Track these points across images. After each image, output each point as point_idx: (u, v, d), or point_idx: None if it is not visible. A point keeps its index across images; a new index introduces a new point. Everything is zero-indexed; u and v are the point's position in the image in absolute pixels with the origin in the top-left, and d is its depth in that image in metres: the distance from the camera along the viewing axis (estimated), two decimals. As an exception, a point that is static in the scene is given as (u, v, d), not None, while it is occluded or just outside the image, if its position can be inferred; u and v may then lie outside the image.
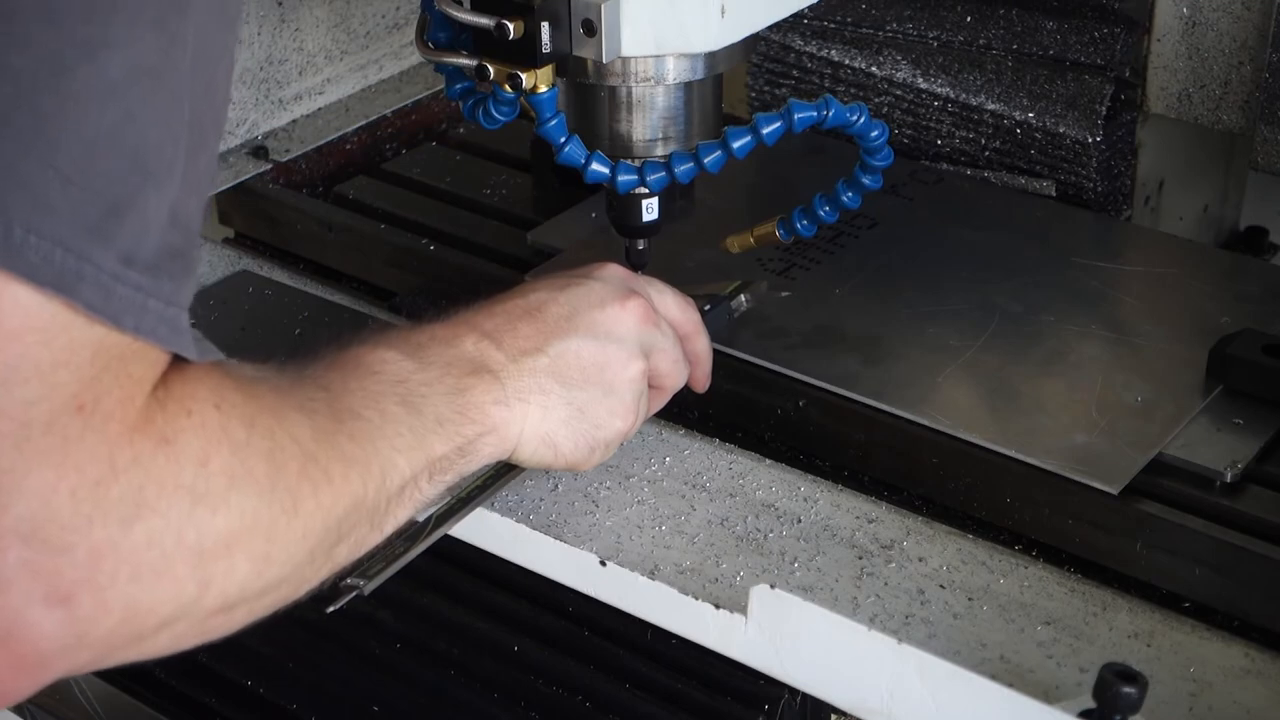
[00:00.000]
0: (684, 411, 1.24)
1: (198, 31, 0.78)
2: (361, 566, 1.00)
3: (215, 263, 1.43)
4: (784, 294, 1.30)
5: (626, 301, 1.08)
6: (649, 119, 1.17)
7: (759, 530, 1.11)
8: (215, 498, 0.78)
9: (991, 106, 1.48)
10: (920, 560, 1.08)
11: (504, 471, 1.10)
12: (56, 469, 0.73)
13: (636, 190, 1.18)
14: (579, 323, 1.06)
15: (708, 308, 1.21)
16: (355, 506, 0.89)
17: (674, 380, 1.12)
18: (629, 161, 1.16)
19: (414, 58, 1.74)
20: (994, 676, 0.94)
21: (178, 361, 0.79)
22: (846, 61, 1.54)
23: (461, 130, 1.68)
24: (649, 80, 1.14)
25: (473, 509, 1.09)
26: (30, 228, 0.71)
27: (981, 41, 1.50)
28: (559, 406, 1.04)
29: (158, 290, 0.76)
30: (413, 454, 0.94)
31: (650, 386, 1.11)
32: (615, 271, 1.12)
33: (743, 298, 1.26)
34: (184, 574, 0.78)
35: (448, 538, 1.10)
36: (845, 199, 1.24)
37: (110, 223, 0.74)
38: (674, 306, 1.13)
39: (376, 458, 0.91)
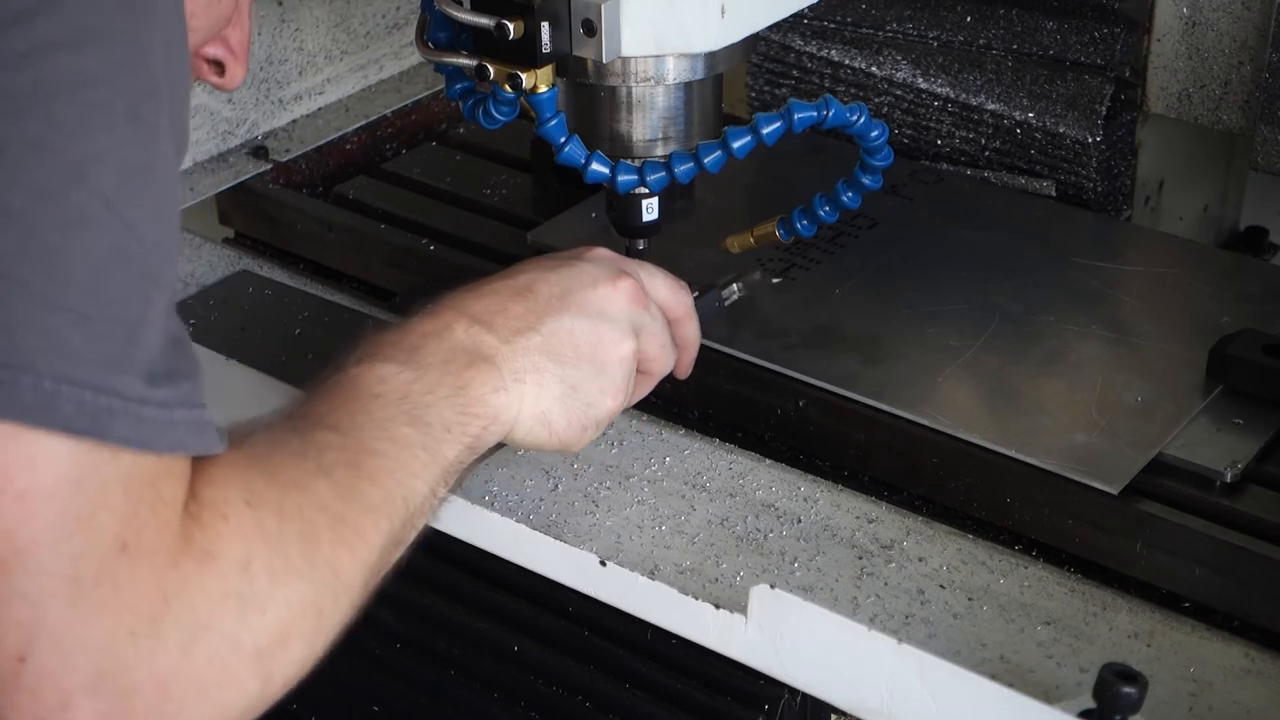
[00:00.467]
0: (684, 411, 1.24)
1: (171, 105, 0.79)
2: None
3: (215, 263, 1.43)
4: (775, 280, 1.30)
5: (618, 281, 1.08)
6: (649, 119, 1.17)
7: (759, 530, 1.11)
8: (262, 597, 0.80)
9: (991, 106, 1.48)
10: (920, 560, 1.08)
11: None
12: (113, 615, 0.74)
13: (636, 190, 1.18)
14: (571, 301, 1.06)
15: (697, 294, 1.21)
16: (387, 544, 0.91)
17: (661, 364, 1.12)
18: (629, 161, 1.16)
19: (414, 58, 1.74)
20: (994, 676, 0.94)
21: (198, 458, 0.80)
22: (846, 61, 1.54)
23: (461, 130, 1.68)
24: (649, 80, 1.14)
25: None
26: (59, 377, 0.73)
27: (981, 41, 1.50)
28: (553, 385, 1.04)
29: (180, 397, 0.78)
30: (429, 470, 0.95)
31: (637, 370, 1.11)
32: (605, 253, 1.12)
33: (735, 286, 1.25)
34: (246, 677, 0.80)
35: (448, 537, 1.10)
36: (845, 199, 1.24)
37: (130, 347, 0.76)
38: (664, 289, 1.13)
39: (399, 490, 0.92)
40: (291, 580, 0.82)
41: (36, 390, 0.72)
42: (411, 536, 0.94)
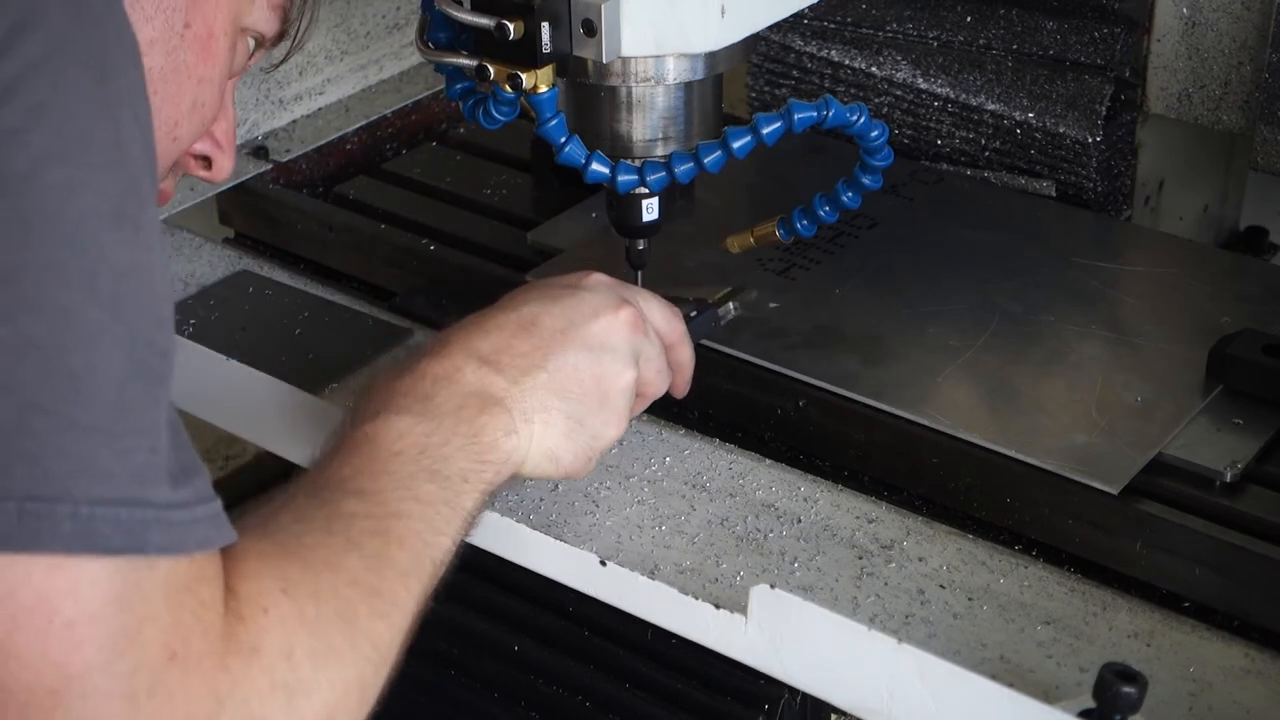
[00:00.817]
0: (684, 411, 1.24)
1: (151, 200, 0.79)
2: None
3: (215, 263, 1.43)
4: (772, 305, 1.30)
5: (619, 311, 1.08)
6: (649, 119, 1.17)
7: (759, 530, 1.11)
8: (308, 683, 0.81)
9: (991, 106, 1.48)
10: (920, 560, 1.08)
11: None
12: None
13: (636, 190, 1.18)
14: (574, 336, 1.06)
15: (694, 314, 1.21)
16: (419, 603, 0.92)
17: (657, 388, 1.13)
18: (629, 161, 1.16)
19: (414, 58, 1.74)
20: (994, 676, 0.94)
21: (224, 549, 0.81)
22: (846, 61, 1.54)
23: (461, 130, 1.68)
24: (649, 80, 1.14)
25: None
26: (94, 500, 0.73)
27: (981, 41, 1.50)
28: (559, 421, 1.05)
29: (198, 494, 0.79)
30: (451, 524, 0.96)
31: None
32: (604, 280, 1.12)
33: (731, 305, 1.26)
34: None
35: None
36: (845, 199, 1.24)
37: (153, 455, 0.77)
38: (660, 316, 1.14)
39: (426, 550, 0.93)
40: (334, 663, 0.83)
41: (74, 518, 0.73)
42: (434, 588, 0.95)
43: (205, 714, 0.76)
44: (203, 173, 1.09)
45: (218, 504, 0.80)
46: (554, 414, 1.04)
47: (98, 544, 0.73)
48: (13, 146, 0.73)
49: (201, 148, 1.07)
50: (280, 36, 1.06)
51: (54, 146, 0.74)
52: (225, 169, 1.09)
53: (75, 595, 0.73)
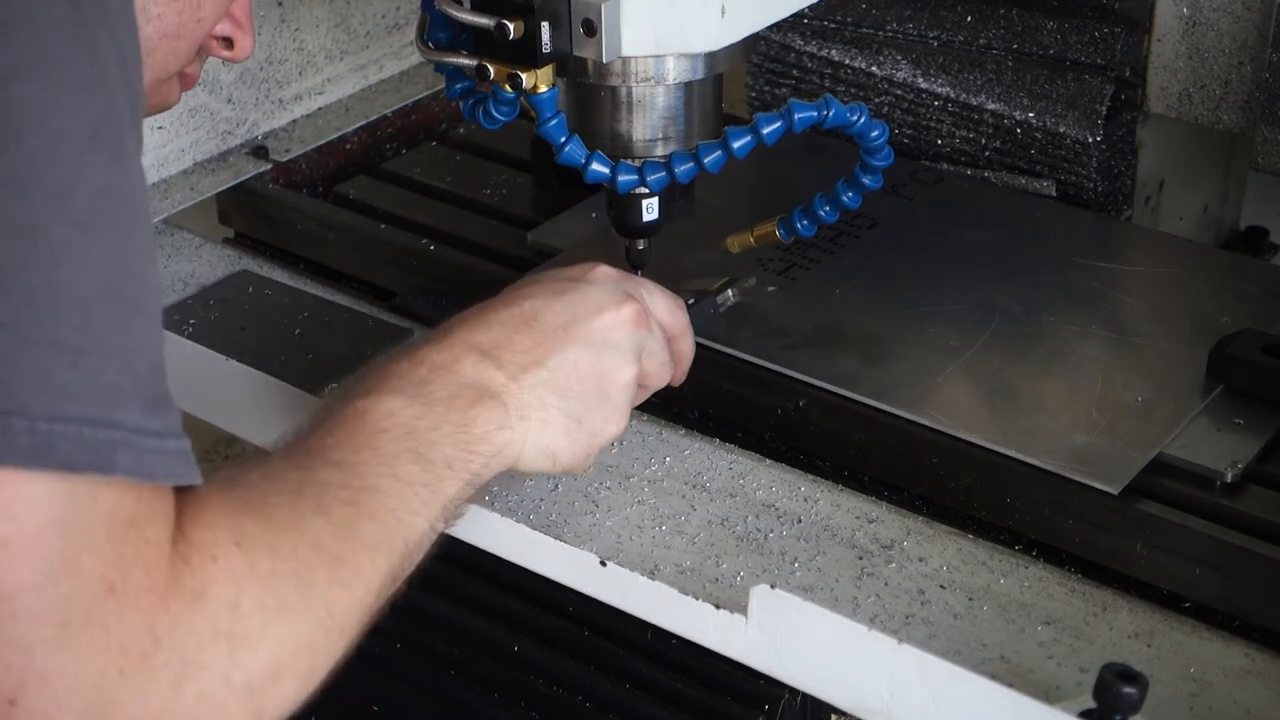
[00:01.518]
0: (684, 411, 1.24)
1: (133, 123, 0.78)
2: None
3: (215, 263, 1.43)
4: (771, 289, 1.30)
5: (622, 307, 1.08)
6: (649, 119, 1.17)
7: (759, 530, 1.11)
8: (254, 636, 0.80)
9: (991, 106, 1.48)
10: (920, 560, 1.08)
11: None
12: (103, 655, 0.75)
13: (637, 190, 1.18)
14: (576, 332, 1.06)
15: (692, 302, 1.21)
16: (385, 581, 0.91)
17: (658, 380, 1.13)
18: (629, 161, 1.16)
19: (414, 58, 1.74)
20: (994, 676, 0.94)
21: (183, 494, 0.80)
22: (846, 61, 1.54)
23: (461, 130, 1.68)
24: (649, 80, 1.14)
25: None
26: (54, 416, 0.73)
27: (981, 41, 1.50)
28: (558, 419, 1.04)
29: (170, 426, 0.78)
30: (429, 507, 0.95)
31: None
32: (608, 274, 1.11)
33: (729, 292, 1.26)
34: (237, 713, 0.80)
35: (448, 537, 1.10)
36: (845, 199, 1.24)
37: (123, 377, 0.76)
38: (663, 308, 1.13)
39: (399, 528, 0.92)
40: (285, 619, 0.82)
41: (32, 433, 0.72)
42: (408, 571, 0.95)
43: (140, 650, 0.75)
44: (225, 53, 1.08)
45: (187, 443, 0.79)
46: (552, 412, 1.04)
47: (54, 460, 0.73)
48: None
49: (222, 29, 1.06)
50: None
51: (21, 63, 0.73)
52: (246, 48, 1.08)
53: (11, 515, 0.72)
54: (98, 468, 0.74)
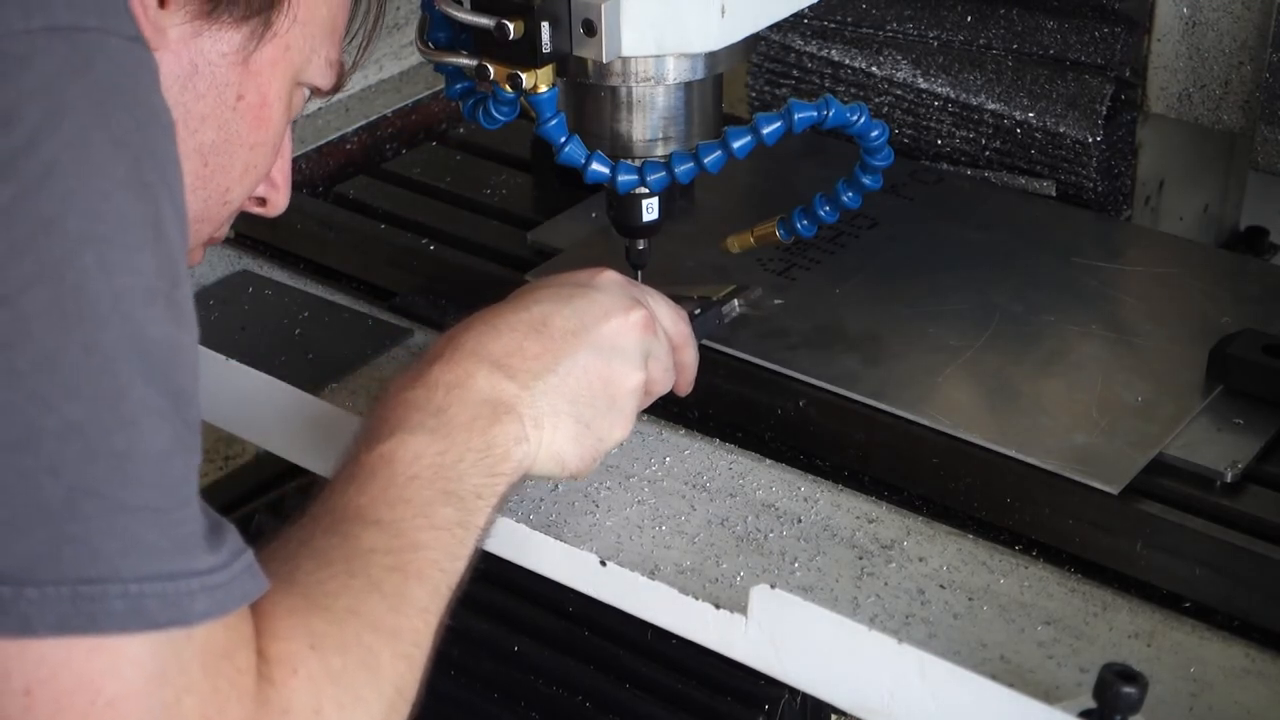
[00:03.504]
0: (684, 411, 1.24)
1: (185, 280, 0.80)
2: None
3: (215, 263, 1.43)
4: (777, 302, 1.30)
5: (630, 312, 1.08)
6: (649, 119, 1.17)
7: (759, 530, 1.11)
8: None
9: (991, 106, 1.48)
10: (920, 560, 1.08)
11: None
12: None
13: (637, 190, 1.18)
14: (585, 338, 1.06)
15: (698, 311, 1.21)
16: (436, 629, 0.93)
17: (662, 387, 1.13)
18: (629, 161, 1.16)
19: (414, 58, 1.74)
20: (994, 676, 0.94)
21: (254, 606, 0.81)
22: (846, 61, 1.54)
23: (461, 130, 1.68)
24: (649, 80, 1.14)
25: None
26: (143, 578, 0.74)
27: (981, 41, 1.50)
28: (568, 425, 1.05)
29: (232, 551, 0.79)
30: (466, 545, 0.97)
31: None
32: (615, 279, 1.11)
33: (736, 303, 1.26)
34: None
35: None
36: (845, 199, 1.24)
37: (192, 525, 0.77)
38: (667, 318, 1.13)
39: (444, 579, 0.94)
40: (360, 713, 0.84)
41: (125, 597, 0.74)
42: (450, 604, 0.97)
43: None
44: (256, 209, 1.10)
45: (249, 554, 0.81)
46: (563, 417, 1.04)
47: (145, 622, 0.74)
48: (52, 233, 0.73)
49: (261, 191, 1.08)
50: (337, 88, 1.06)
51: (89, 230, 0.74)
52: (279, 205, 1.10)
53: (116, 674, 0.74)
54: (179, 621, 0.75)
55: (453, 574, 0.95)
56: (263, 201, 1.09)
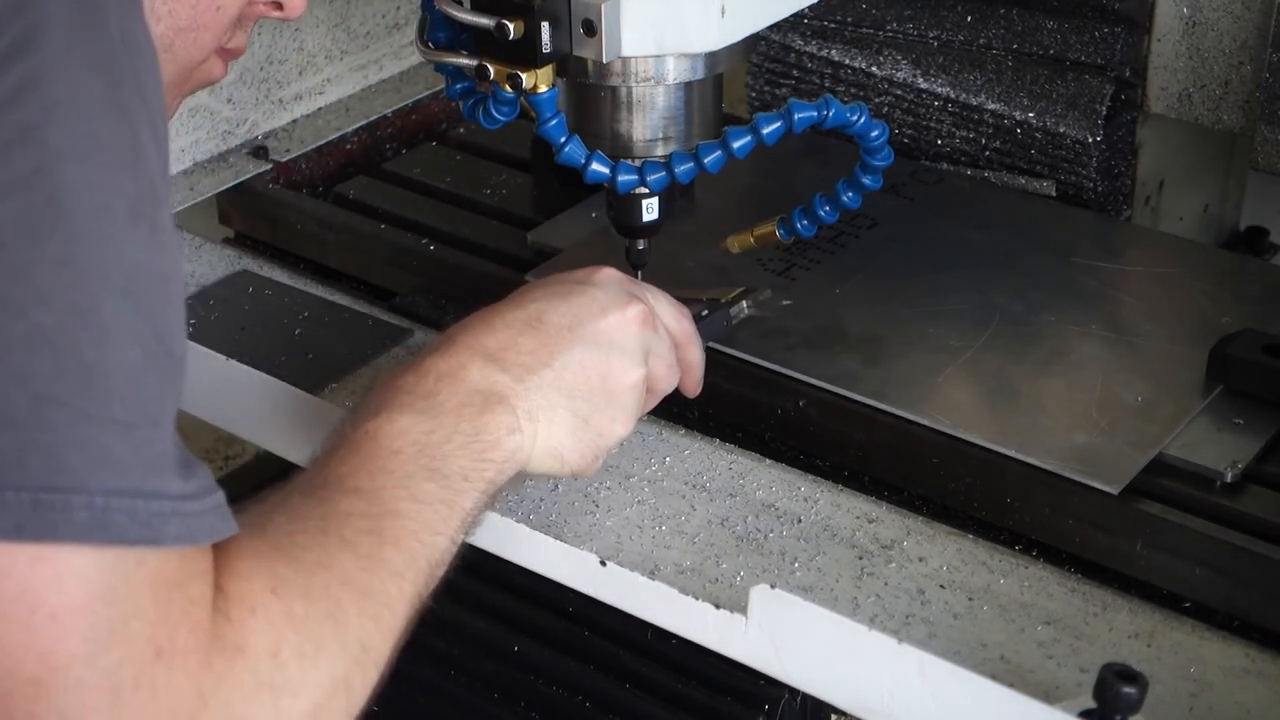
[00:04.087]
0: (684, 411, 1.24)
1: (166, 200, 0.79)
2: None
3: (215, 263, 1.43)
4: (786, 303, 1.30)
5: (627, 308, 1.08)
6: (649, 119, 1.17)
7: (759, 530, 1.11)
8: (294, 683, 0.81)
9: (991, 106, 1.48)
10: (920, 560, 1.08)
11: None
12: None
13: (637, 190, 1.18)
14: (581, 333, 1.05)
15: (705, 313, 1.21)
16: (412, 604, 0.91)
17: (666, 384, 1.12)
18: (629, 161, 1.16)
19: (414, 58, 1.74)
20: (994, 676, 0.94)
21: (218, 545, 0.81)
22: (846, 61, 1.54)
23: (461, 130, 1.68)
24: (649, 80, 1.14)
25: None
26: (110, 492, 0.74)
27: (981, 41, 1.50)
28: (565, 419, 1.04)
29: (203, 485, 0.79)
30: (449, 523, 0.96)
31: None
32: (613, 276, 1.11)
33: (744, 304, 1.26)
34: None
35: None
36: (845, 199, 1.24)
37: (165, 446, 0.77)
38: (669, 315, 1.13)
39: (421, 550, 0.93)
40: (322, 662, 0.83)
41: (90, 509, 0.73)
42: (432, 588, 0.95)
43: (188, 711, 0.76)
44: (277, 13, 1.08)
45: (221, 495, 0.80)
46: (560, 412, 1.04)
47: (113, 535, 0.74)
48: (30, 142, 0.73)
49: None
50: None
51: (68, 144, 0.74)
52: (297, 7, 1.08)
53: (59, 586, 0.73)
54: (150, 540, 0.75)
55: (433, 548, 0.93)
56: (279, 5, 1.07)
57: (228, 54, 1.08)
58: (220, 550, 0.81)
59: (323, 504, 0.91)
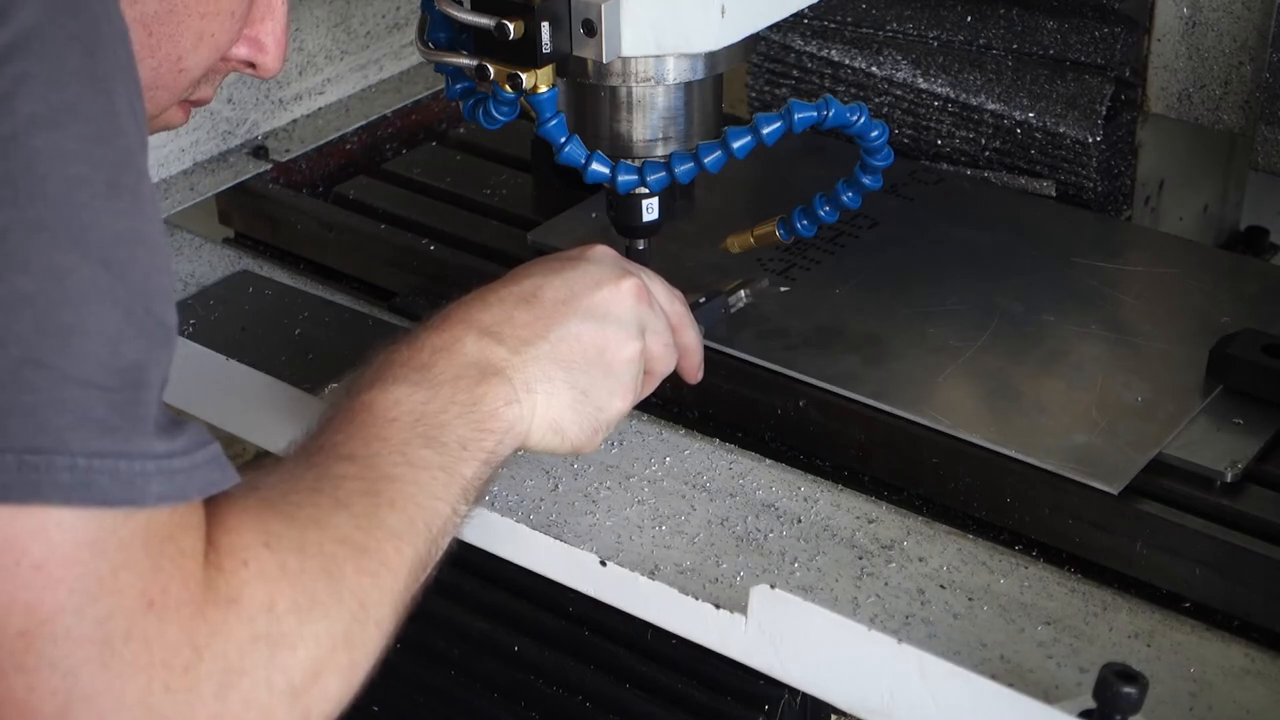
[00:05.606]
0: (684, 411, 1.24)
1: (145, 169, 0.79)
2: None
3: (215, 263, 1.43)
4: (783, 289, 1.30)
5: (621, 281, 1.08)
6: (649, 119, 1.17)
7: (759, 530, 1.11)
8: (291, 636, 0.81)
9: (991, 106, 1.48)
10: (920, 560, 1.08)
11: None
12: (146, 672, 0.75)
13: (636, 190, 1.18)
14: (576, 305, 1.06)
15: (703, 300, 1.21)
16: (413, 568, 0.91)
17: (664, 365, 1.12)
18: (629, 161, 1.16)
19: (414, 58, 1.74)
20: (994, 676, 0.94)
21: (210, 500, 0.81)
22: (846, 61, 1.54)
23: (461, 130, 1.68)
24: (649, 80, 1.14)
25: None
26: (92, 453, 0.74)
27: (981, 41, 1.50)
28: (563, 391, 1.04)
29: (196, 439, 0.79)
30: (448, 490, 0.95)
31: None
32: (607, 253, 1.12)
33: (742, 293, 1.26)
34: (283, 715, 0.80)
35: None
36: (845, 199, 1.24)
37: (147, 408, 0.77)
38: (663, 295, 1.13)
39: (420, 514, 0.92)
40: (319, 616, 0.82)
41: (73, 470, 0.73)
42: (436, 556, 0.95)
43: (182, 663, 0.76)
44: (249, 71, 1.07)
45: (217, 446, 0.80)
46: (557, 384, 1.04)
47: (96, 496, 0.73)
48: (3, 112, 0.73)
49: (240, 53, 1.04)
50: None
51: (41, 113, 0.74)
52: (269, 68, 1.06)
53: (43, 537, 0.73)
54: (133, 500, 0.75)
55: (431, 513, 0.93)
56: (252, 65, 1.07)
57: (191, 104, 1.08)
58: (211, 505, 0.80)
59: (316, 468, 0.91)
